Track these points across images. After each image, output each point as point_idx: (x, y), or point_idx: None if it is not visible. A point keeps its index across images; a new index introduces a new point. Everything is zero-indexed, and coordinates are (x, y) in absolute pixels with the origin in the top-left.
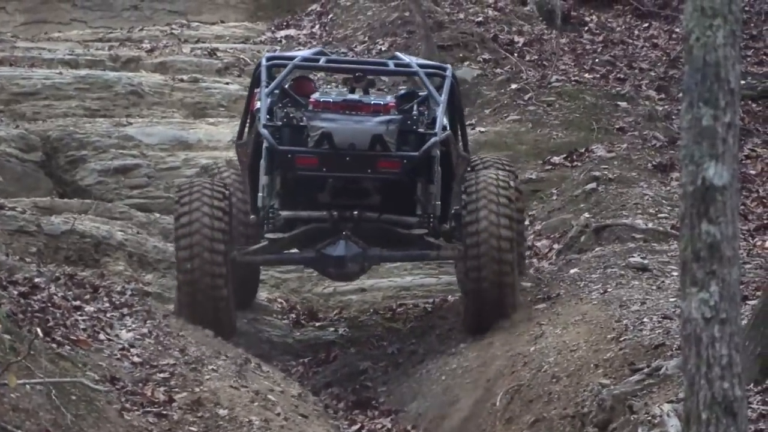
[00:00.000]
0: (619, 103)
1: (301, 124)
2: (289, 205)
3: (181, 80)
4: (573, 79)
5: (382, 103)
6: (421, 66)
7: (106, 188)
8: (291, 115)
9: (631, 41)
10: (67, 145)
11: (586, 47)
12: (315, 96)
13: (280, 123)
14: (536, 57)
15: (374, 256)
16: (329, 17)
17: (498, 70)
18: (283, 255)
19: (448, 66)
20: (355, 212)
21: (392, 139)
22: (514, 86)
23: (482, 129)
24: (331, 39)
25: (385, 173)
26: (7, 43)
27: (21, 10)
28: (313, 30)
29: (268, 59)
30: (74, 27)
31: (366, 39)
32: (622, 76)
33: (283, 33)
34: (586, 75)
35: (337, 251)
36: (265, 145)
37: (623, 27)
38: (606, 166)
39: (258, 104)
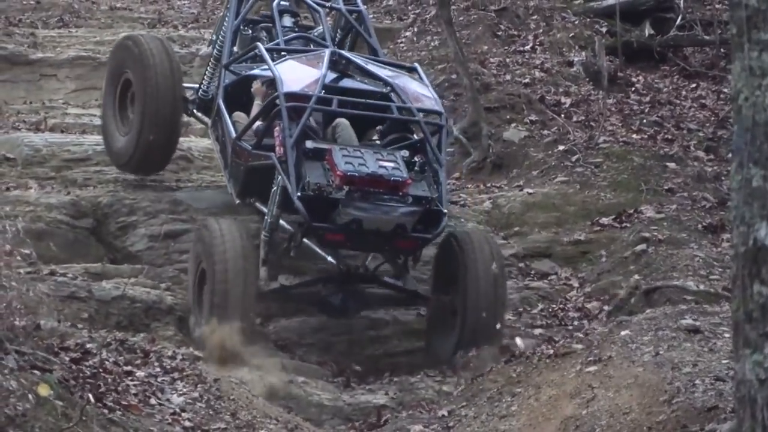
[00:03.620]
0: (667, 163)
1: (331, 197)
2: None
3: None
4: (621, 140)
5: (401, 179)
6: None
7: (156, 253)
8: (322, 188)
9: (678, 102)
10: (117, 211)
11: (634, 108)
12: (341, 165)
13: (311, 194)
14: (583, 118)
15: (368, 302)
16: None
17: (545, 132)
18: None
19: (443, 112)
20: (361, 270)
21: (411, 225)
22: (561, 147)
23: (530, 191)
24: None
25: (401, 250)
26: (58, 110)
27: (72, 77)
28: None
29: (287, 96)
30: None
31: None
32: (670, 136)
33: None
34: (634, 136)
35: (340, 302)
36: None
37: (670, 87)
38: (655, 227)
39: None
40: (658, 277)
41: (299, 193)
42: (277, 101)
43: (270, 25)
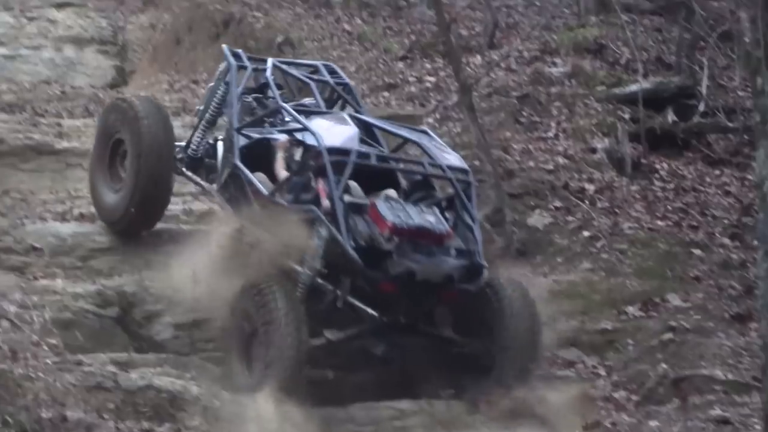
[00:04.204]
0: (693, 250)
1: (382, 248)
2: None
3: None
4: (646, 226)
5: (445, 231)
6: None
7: (182, 342)
8: (373, 238)
9: (703, 188)
10: (142, 300)
11: (658, 194)
12: (389, 217)
13: (363, 243)
14: (607, 204)
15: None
16: None
17: (569, 218)
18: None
19: (469, 169)
20: (402, 320)
21: (459, 276)
22: (586, 234)
23: (555, 278)
24: None
25: (445, 302)
26: (84, 200)
27: None
28: None
29: (330, 151)
30: None
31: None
32: (695, 223)
33: None
34: (659, 222)
35: (382, 352)
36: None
37: (695, 174)
38: (682, 316)
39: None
40: (686, 366)
41: (352, 243)
42: (314, 157)
43: (259, 95)
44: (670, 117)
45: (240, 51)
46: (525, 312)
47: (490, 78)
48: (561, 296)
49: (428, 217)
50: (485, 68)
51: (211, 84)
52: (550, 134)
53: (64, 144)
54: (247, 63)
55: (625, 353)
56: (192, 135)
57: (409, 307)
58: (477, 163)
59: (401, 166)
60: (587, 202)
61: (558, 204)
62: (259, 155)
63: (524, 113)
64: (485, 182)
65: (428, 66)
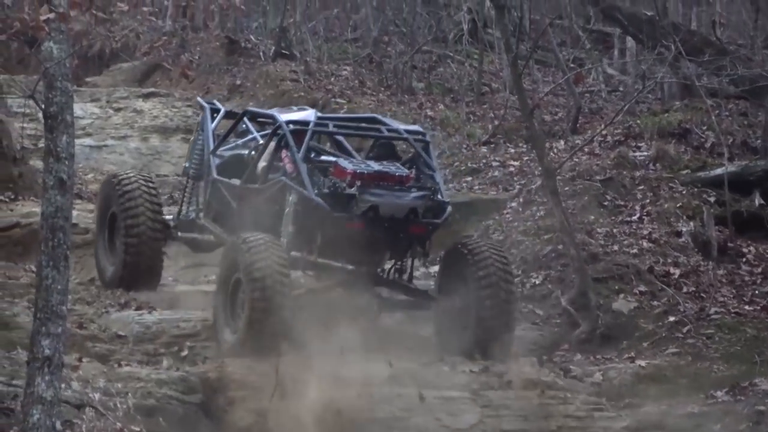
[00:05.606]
0: None
1: (346, 193)
2: (324, 254)
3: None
4: (732, 311)
5: (405, 173)
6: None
7: (264, 428)
8: (336, 185)
9: None
10: (226, 386)
11: (745, 279)
12: (349, 167)
13: (327, 191)
14: (693, 289)
15: (388, 303)
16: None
17: (655, 303)
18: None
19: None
20: (378, 269)
21: (422, 210)
22: (671, 319)
23: (642, 363)
24: None
25: (414, 236)
26: (169, 287)
27: (182, 254)
28: None
29: (288, 123)
30: None
31: (520, 272)
32: None
33: None
34: (746, 307)
35: (359, 301)
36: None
37: None
38: None
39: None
40: None
41: (316, 191)
42: (276, 130)
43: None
44: (757, 200)
45: (215, 101)
46: (500, 272)
47: (573, 162)
48: (647, 380)
49: (389, 166)
50: (568, 152)
51: (191, 138)
52: (635, 218)
53: None
54: (220, 107)
55: None
56: (181, 202)
57: (383, 256)
58: (560, 247)
59: (359, 132)
60: (673, 286)
61: (643, 288)
62: (233, 168)
63: (608, 197)
64: (569, 266)
65: (512, 150)
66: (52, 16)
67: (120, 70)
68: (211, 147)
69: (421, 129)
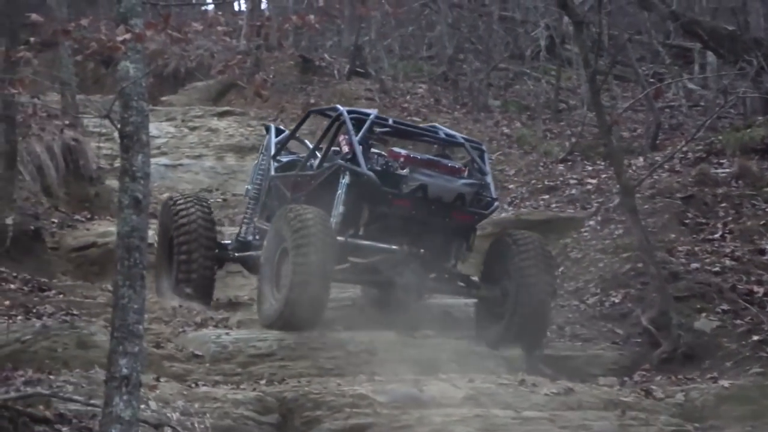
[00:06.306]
0: None
1: (397, 173)
2: (370, 235)
3: (413, 337)
4: None
5: (457, 165)
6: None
7: None
8: (389, 164)
9: None
10: (302, 406)
11: None
12: (402, 151)
13: (379, 168)
14: None
15: (429, 287)
16: (560, 269)
17: (738, 321)
18: (361, 276)
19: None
20: (422, 250)
21: (470, 198)
22: (756, 338)
23: (725, 384)
24: (562, 292)
25: (459, 223)
26: (244, 306)
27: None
28: None
29: (349, 112)
30: None
31: (598, 291)
32: None
33: None
34: None
35: (404, 279)
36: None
37: None
38: None
39: (344, 146)
40: None
41: (369, 167)
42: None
43: None
44: None
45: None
46: (542, 264)
47: (653, 179)
48: (730, 401)
49: (441, 158)
50: (647, 169)
51: (254, 161)
52: (717, 236)
53: None
54: (283, 128)
55: None
56: (241, 223)
57: (428, 240)
58: (640, 265)
59: (416, 131)
60: (756, 305)
61: (725, 307)
62: (290, 170)
63: (689, 215)
64: (649, 285)
65: (589, 168)
66: (128, 36)
67: (195, 89)
68: (272, 151)
69: (479, 141)
